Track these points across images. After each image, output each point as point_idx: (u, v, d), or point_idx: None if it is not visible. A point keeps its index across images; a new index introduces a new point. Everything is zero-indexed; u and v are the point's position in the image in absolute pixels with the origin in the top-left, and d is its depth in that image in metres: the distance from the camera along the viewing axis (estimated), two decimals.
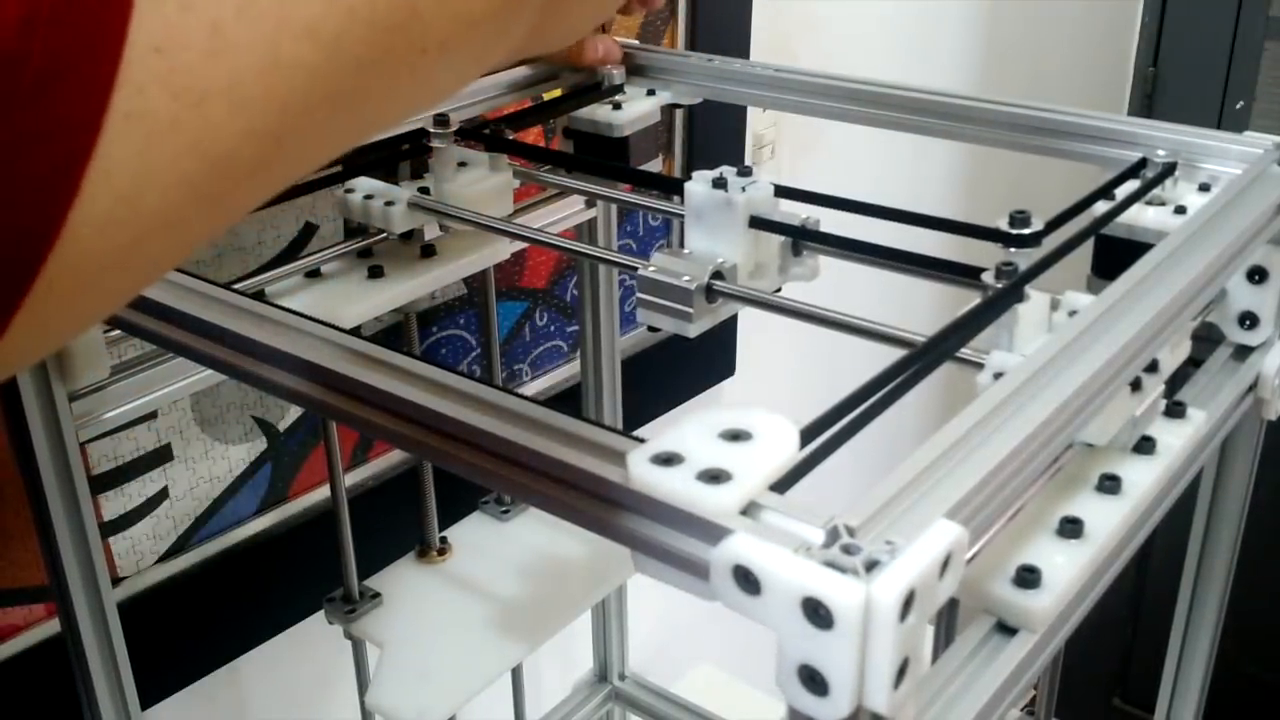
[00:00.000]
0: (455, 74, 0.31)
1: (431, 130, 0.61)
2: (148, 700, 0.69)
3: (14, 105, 0.20)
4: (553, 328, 0.95)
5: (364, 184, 0.62)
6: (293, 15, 0.25)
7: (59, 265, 0.22)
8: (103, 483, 0.70)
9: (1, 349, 0.22)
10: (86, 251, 0.22)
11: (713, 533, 0.29)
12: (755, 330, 1.14)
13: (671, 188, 0.55)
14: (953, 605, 0.40)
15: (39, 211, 0.21)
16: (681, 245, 0.52)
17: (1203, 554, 0.62)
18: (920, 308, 0.95)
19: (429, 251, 0.64)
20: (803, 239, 0.51)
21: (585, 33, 0.42)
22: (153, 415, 0.71)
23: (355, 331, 0.43)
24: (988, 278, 0.45)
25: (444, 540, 0.81)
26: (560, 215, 0.74)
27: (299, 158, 0.27)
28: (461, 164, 0.63)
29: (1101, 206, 0.51)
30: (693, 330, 0.50)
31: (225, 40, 0.23)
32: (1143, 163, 0.54)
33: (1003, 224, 0.46)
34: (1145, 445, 0.45)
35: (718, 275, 0.49)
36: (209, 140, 0.24)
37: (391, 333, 0.80)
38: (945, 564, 0.28)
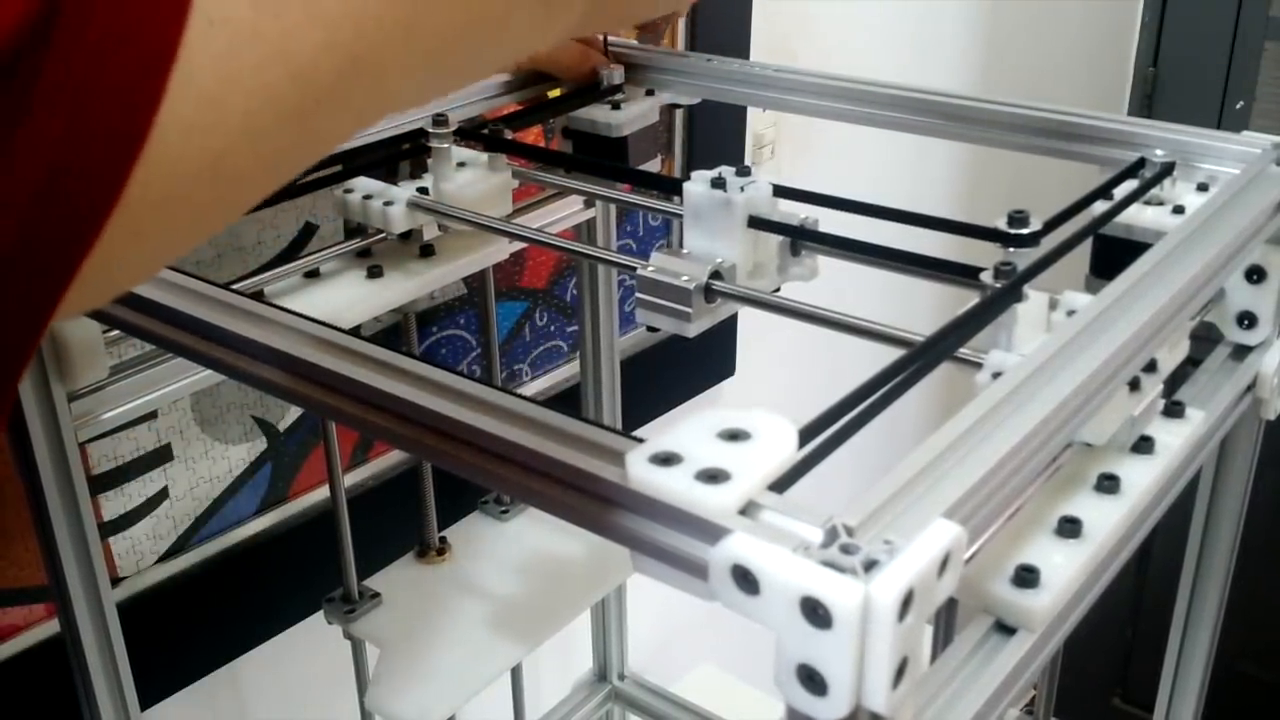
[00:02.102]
0: (525, 28, 0.32)
1: (430, 130, 0.61)
2: (147, 700, 0.69)
3: (99, 6, 0.20)
4: (553, 328, 0.95)
5: (363, 184, 0.62)
6: None
7: (149, 169, 0.22)
8: (103, 483, 0.70)
9: (100, 258, 0.22)
10: (175, 156, 0.23)
11: (711, 532, 0.29)
12: (755, 330, 1.14)
13: (670, 188, 0.55)
14: (951, 605, 0.40)
15: (126, 113, 0.21)
16: (681, 245, 0.52)
17: (1201, 553, 0.62)
18: (919, 307, 0.95)
19: (428, 251, 0.64)
20: (801, 239, 0.51)
21: (648, 16, 0.45)
22: (153, 415, 0.71)
23: (354, 332, 0.43)
24: (986, 277, 0.45)
25: (443, 540, 0.81)
26: (559, 215, 0.74)
27: (376, 87, 0.27)
28: (460, 164, 0.63)
29: (1100, 206, 0.51)
30: (691, 330, 0.50)
31: None
32: (1141, 162, 0.54)
33: (1001, 224, 0.46)
34: (1144, 445, 0.45)
35: (716, 275, 0.49)
36: (290, 50, 0.24)
37: (391, 333, 0.80)
38: (944, 563, 0.28)
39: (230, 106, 0.23)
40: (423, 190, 0.62)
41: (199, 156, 0.23)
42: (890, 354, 0.39)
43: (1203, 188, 0.53)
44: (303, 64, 0.24)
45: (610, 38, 0.72)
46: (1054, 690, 0.53)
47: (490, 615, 0.76)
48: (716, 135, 1.05)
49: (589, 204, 0.76)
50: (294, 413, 0.79)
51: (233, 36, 0.23)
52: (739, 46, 1.04)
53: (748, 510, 0.30)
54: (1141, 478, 0.44)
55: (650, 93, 0.69)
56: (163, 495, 0.73)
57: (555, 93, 0.71)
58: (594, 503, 0.32)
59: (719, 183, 0.51)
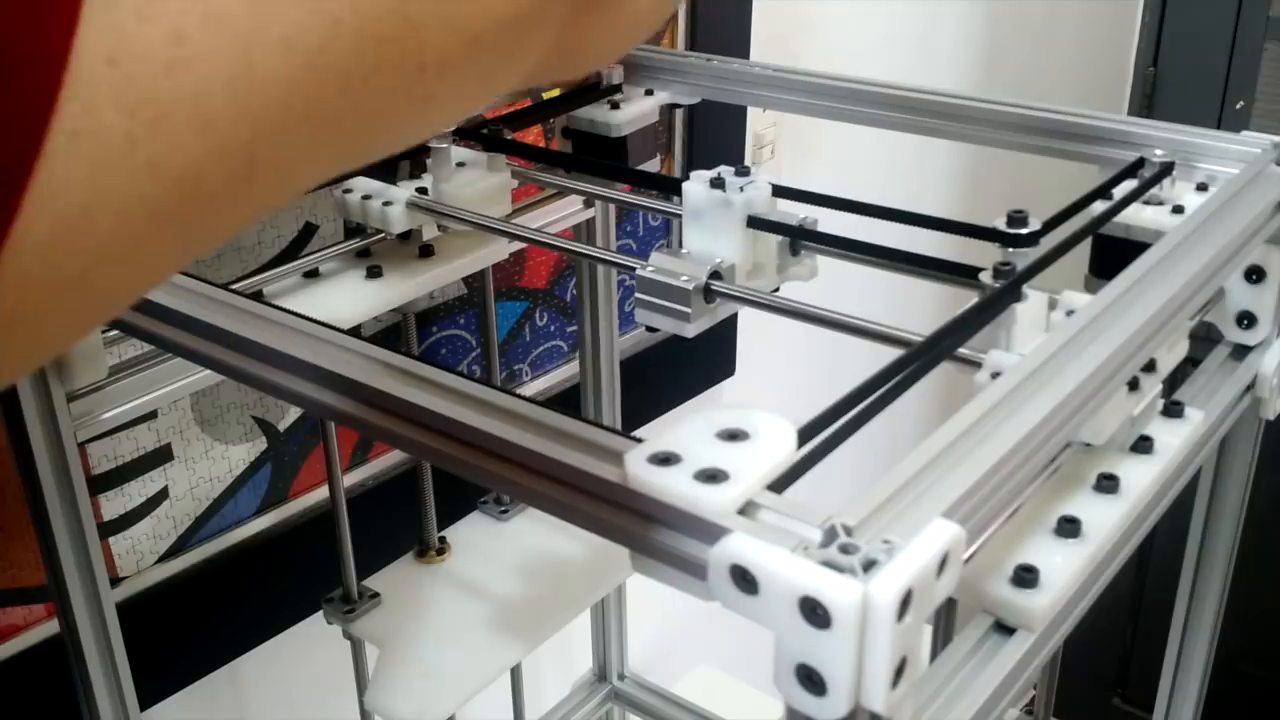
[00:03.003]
0: (459, 96, 0.28)
1: None
2: (147, 700, 0.69)
3: None
4: (553, 328, 0.95)
5: (362, 184, 0.62)
6: (267, 24, 0.22)
7: (2, 287, 0.20)
8: (103, 483, 0.70)
9: None
10: (31, 276, 0.21)
11: (710, 532, 0.29)
12: (755, 330, 1.14)
13: (670, 188, 0.55)
14: (951, 605, 0.40)
15: None
16: (680, 245, 0.52)
17: (1201, 553, 0.62)
18: (918, 307, 0.95)
19: (427, 251, 0.64)
20: (801, 239, 0.51)
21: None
22: (153, 415, 0.71)
23: (354, 332, 0.43)
24: (985, 277, 0.45)
25: (443, 540, 0.81)
26: (559, 215, 0.74)
27: (278, 180, 0.25)
28: (460, 164, 0.63)
29: (1099, 206, 0.51)
30: (691, 330, 0.50)
31: (189, 51, 0.21)
32: (1140, 162, 0.54)
33: (1000, 224, 0.46)
34: (1143, 445, 0.45)
35: (716, 275, 0.49)
36: (171, 160, 0.22)
37: (391, 333, 0.80)
38: (943, 563, 0.28)
39: (98, 222, 0.21)
40: (422, 190, 0.62)
41: (58, 275, 0.21)
42: (890, 354, 0.39)
43: (1202, 187, 0.53)
44: (187, 173, 0.22)
45: None
46: (1053, 690, 0.53)
47: (490, 615, 0.76)
48: (716, 135, 1.05)
49: (588, 204, 0.76)
50: (294, 413, 0.79)
51: (101, 149, 0.20)
52: (739, 46, 1.04)
53: (747, 510, 0.30)
54: (1141, 478, 0.44)
55: (650, 93, 0.69)
56: (163, 495, 0.73)
57: (554, 92, 0.71)
58: (593, 502, 0.32)
59: (718, 183, 0.51)
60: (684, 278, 0.49)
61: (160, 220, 0.22)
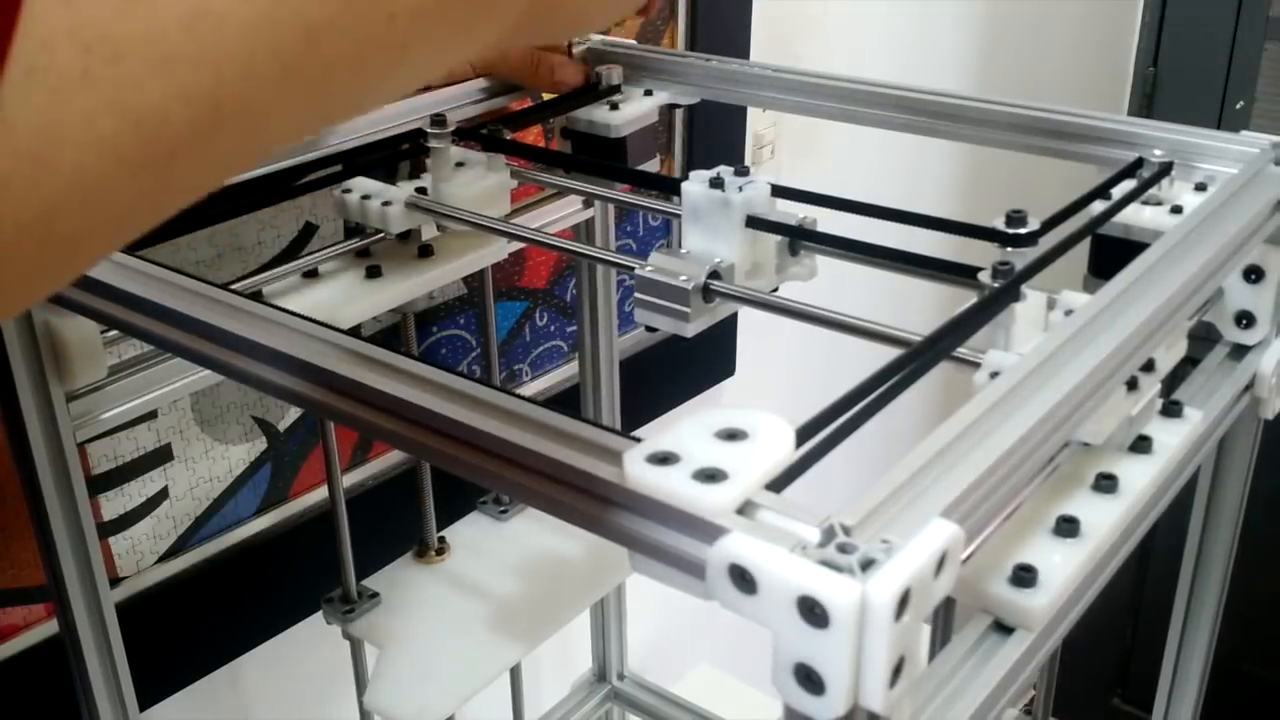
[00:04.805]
0: (435, 49, 0.28)
1: (429, 130, 0.61)
2: (146, 701, 0.69)
3: None
4: (552, 328, 0.95)
5: (361, 184, 0.62)
6: None
7: None
8: (103, 483, 0.70)
9: None
10: None
11: (709, 532, 0.29)
12: (755, 330, 1.14)
13: (669, 188, 0.55)
14: (949, 604, 0.40)
15: None
16: (679, 245, 0.52)
17: (1200, 553, 0.62)
18: (917, 307, 0.95)
19: (426, 251, 0.64)
20: (800, 239, 0.51)
21: (600, 22, 0.38)
22: (152, 415, 0.71)
23: (353, 332, 0.43)
24: (984, 277, 0.45)
25: (442, 540, 0.81)
26: (558, 215, 0.74)
27: (246, 132, 0.25)
28: (459, 164, 0.63)
29: (1098, 206, 0.51)
30: (690, 330, 0.50)
31: None
32: (1139, 162, 0.54)
33: (999, 223, 0.46)
34: (1142, 444, 0.45)
35: (715, 275, 0.49)
36: (131, 101, 0.22)
37: (390, 333, 0.80)
38: (941, 563, 0.28)
39: (59, 159, 0.21)
40: (421, 190, 0.62)
41: (23, 211, 0.21)
42: (888, 354, 0.39)
43: (1201, 187, 0.53)
44: (148, 115, 0.22)
45: (610, 38, 0.72)
46: (1053, 690, 0.53)
47: (489, 615, 0.76)
48: (716, 135, 1.05)
49: (588, 204, 0.76)
50: (294, 413, 0.79)
51: (58, 85, 0.21)
52: (739, 47, 1.04)
53: (745, 510, 0.30)
54: (1139, 477, 0.44)
55: (649, 93, 0.69)
56: (163, 495, 0.73)
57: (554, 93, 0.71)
58: (592, 502, 0.32)
59: (717, 183, 0.51)
60: (683, 278, 0.49)
61: (124, 165, 0.22)
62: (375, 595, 0.76)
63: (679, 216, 0.52)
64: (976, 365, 0.42)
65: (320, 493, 0.82)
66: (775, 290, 0.52)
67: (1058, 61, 1.61)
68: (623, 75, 0.69)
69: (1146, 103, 1.78)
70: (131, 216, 0.24)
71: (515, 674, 0.89)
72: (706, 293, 0.49)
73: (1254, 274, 0.53)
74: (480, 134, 0.63)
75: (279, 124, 0.25)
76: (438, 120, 0.61)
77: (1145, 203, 0.52)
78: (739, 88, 0.67)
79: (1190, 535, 0.62)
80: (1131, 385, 0.44)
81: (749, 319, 1.05)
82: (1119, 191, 0.52)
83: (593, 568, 0.80)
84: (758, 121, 1.11)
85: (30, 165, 0.21)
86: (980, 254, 0.47)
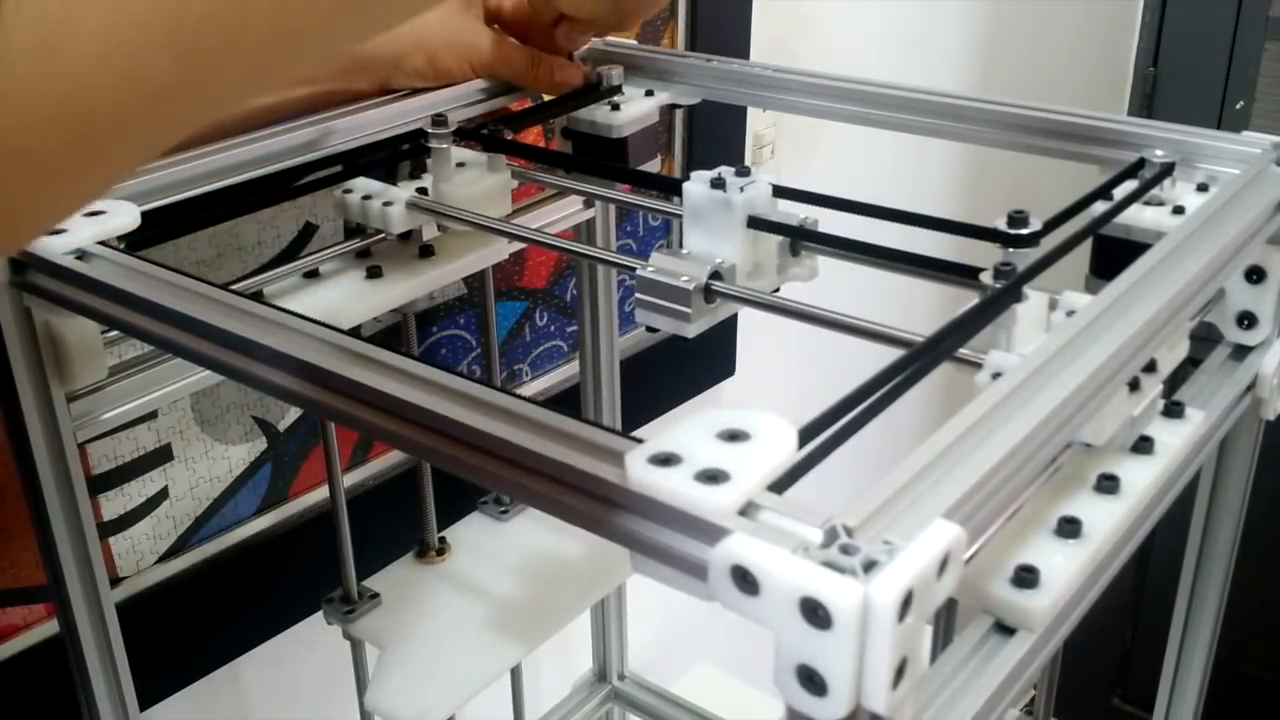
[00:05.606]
0: None
1: (430, 130, 0.61)
2: (147, 701, 0.69)
3: None
4: (553, 328, 0.95)
5: (362, 184, 0.62)
6: None
7: None
8: (103, 483, 0.70)
9: None
10: None
11: (711, 533, 0.29)
12: (755, 330, 1.14)
13: (670, 188, 0.55)
14: (951, 605, 0.40)
15: None
16: (680, 246, 0.52)
17: (1201, 553, 0.62)
18: (918, 308, 0.95)
19: (427, 252, 0.64)
20: (801, 239, 0.51)
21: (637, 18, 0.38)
22: (153, 415, 0.71)
23: (354, 332, 0.43)
24: (986, 278, 0.45)
25: (443, 540, 0.81)
26: (559, 215, 0.74)
27: (277, 13, 0.25)
28: (460, 164, 0.63)
29: (1100, 207, 0.51)
30: (691, 330, 0.50)
31: None
32: (1141, 163, 0.54)
33: (1001, 224, 0.46)
34: (1143, 445, 0.45)
35: (716, 275, 0.49)
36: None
37: (391, 333, 0.80)
38: (943, 564, 0.28)
39: (84, 19, 0.22)
40: (422, 190, 0.62)
41: (51, 88, 0.22)
42: (890, 354, 0.39)
43: (1202, 188, 0.53)
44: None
45: (610, 38, 0.72)
46: (1054, 690, 0.53)
47: (490, 615, 0.76)
48: (716, 135, 1.05)
49: (588, 204, 0.76)
50: (294, 413, 0.79)
51: None
52: (739, 47, 1.04)
53: (747, 511, 0.30)
54: (1141, 478, 0.44)
55: (650, 93, 0.69)
56: (163, 495, 0.73)
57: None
58: (593, 503, 0.32)
59: (718, 183, 0.51)
60: (684, 278, 0.49)
61: (148, 33, 0.23)
62: (376, 595, 0.76)
63: (680, 217, 0.52)
64: (978, 366, 0.42)
65: (320, 493, 0.82)
66: (776, 290, 0.52)
67: (1057, 62, 1.61)
68: (623, 75, 0.69)
69: (1147, 103, 1.78)
70: (165, 97, 0.24)
71: (516, 674, 0.88)
72: (708, 293, 0.49)
73: (1255, 274, 0.53)
74: (481, 134, 0.63)
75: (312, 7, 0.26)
76: (438, 120, 0.61)
77: (1147, 203, 0.52)
78: (739, 88, 0.67)
79: (1191, 536, 0.62)
80: (1133, 386, 0.44)
81: (749, 319, 1.05)
82: (1121, 192, 0.52)
83: (593, 568, 0.80)
84: (758, 121, 1.11)
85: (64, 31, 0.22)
86: (982, 254, 0.47)
